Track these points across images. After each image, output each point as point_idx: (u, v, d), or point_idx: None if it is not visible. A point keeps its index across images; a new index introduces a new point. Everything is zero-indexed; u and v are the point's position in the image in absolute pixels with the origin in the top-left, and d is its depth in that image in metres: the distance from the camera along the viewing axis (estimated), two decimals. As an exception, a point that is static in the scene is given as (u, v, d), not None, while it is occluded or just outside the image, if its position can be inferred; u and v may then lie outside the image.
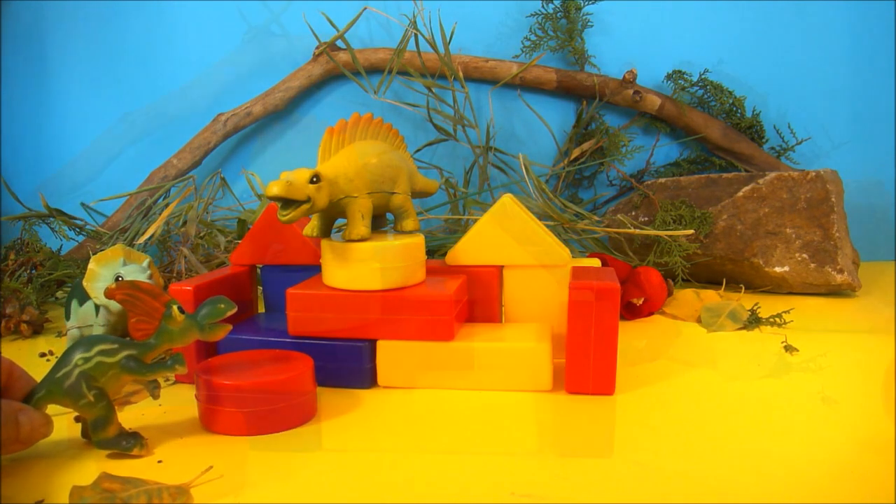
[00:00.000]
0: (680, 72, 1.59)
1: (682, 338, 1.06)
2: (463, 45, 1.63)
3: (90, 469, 0.65)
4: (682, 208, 1.38)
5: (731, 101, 1.58)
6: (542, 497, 0.58)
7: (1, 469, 0.65)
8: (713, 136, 1.58)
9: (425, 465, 0.64)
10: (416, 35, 1.45)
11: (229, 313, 0.71)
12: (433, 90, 1.52)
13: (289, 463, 0.65)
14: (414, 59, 1.55)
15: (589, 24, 1.62)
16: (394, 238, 0.87)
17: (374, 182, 0.87)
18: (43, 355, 1.02)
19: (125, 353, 0.69)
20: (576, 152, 1.60)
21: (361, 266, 0.84)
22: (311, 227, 0.88)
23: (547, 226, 1.27)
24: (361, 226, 0.84)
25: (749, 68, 1.63)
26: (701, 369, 0.90)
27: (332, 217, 0.88)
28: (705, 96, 1.60)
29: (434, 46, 1.47)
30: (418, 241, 0.88)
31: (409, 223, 0.91)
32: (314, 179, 0.80)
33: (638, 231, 1.26)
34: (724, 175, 1.41)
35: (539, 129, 1.66)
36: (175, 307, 0.70)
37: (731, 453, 0.65)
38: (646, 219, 1.43)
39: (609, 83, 1.59)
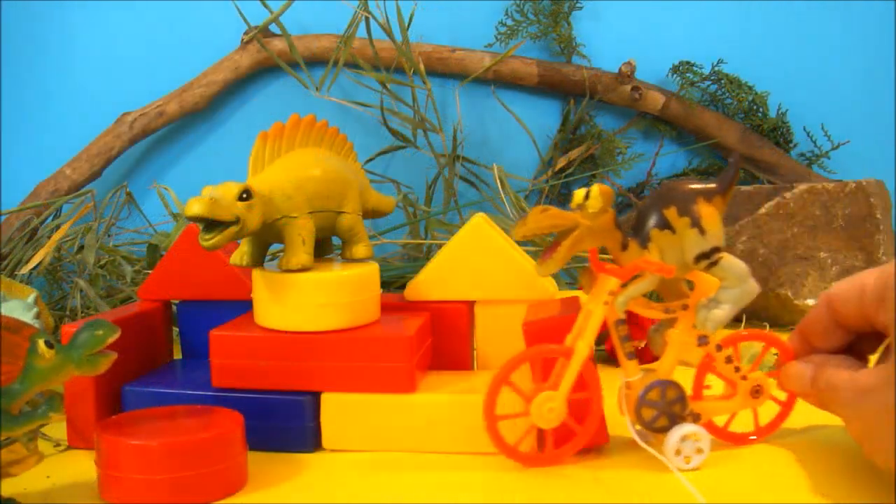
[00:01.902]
0: (688, 63, 1.60)
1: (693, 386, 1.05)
2: (425, 31, 1.63)
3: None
4: (692, 229, 1.38)
5: (750, 98, 1.59)
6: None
7: None
8: (729, 140, 1.59)
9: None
10: (367, 18, 1.45)
11: (111, 339, 0.68)
12: (388, 86, 1.52)
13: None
14: (365, 48, 1.55)
15: (578, 5, 1.63)
16: (341, 267, 0.86)
17: (317, 199, 0.86)
18: None
19: None
20: (562, 162, 1.61)
21: (302, 301, 0.83)
22: (241, 253, 0.87)
23: (528, 252, 1.26)
24: (302, 252, 0.83)
25: (773, 58, 1.65)
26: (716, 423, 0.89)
27: (267, 242, 0.87)
28: (719, 93, 1.61)
29: (390, 33, 1.47)
30: (371, 270, 0.87)
31: (359, 249, 0.91)
32: (244, 196, 0.80)
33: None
34: (743, 188, 1.41)
35: (517, 133, 1.66)
36: (41, 341, 0.67)
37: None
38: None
39: (602, 78, 1.60)
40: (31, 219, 1.46)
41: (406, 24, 1.46)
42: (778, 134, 1.61)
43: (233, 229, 0.78)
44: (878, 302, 0.72)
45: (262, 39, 1.57)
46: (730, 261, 0.74)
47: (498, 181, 1.30)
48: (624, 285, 0.75)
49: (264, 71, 1.66)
